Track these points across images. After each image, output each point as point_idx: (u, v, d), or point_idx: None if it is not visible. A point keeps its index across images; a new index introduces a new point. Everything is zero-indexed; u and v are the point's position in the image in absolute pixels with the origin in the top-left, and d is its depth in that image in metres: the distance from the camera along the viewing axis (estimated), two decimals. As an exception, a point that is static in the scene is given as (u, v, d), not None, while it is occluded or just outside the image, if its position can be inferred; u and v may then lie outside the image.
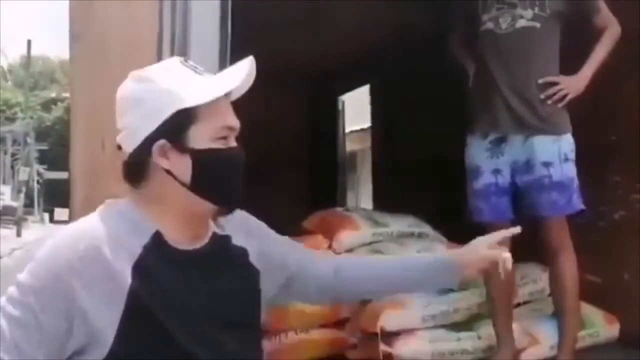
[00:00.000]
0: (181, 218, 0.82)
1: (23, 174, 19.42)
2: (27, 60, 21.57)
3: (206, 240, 0.85)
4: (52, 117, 22.94)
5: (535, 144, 1.73)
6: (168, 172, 0.80)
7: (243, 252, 0.89)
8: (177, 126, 0.79)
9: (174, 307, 0.78)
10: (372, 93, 4.30)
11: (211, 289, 0.82)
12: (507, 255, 0.96)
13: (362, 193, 7.11)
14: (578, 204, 1.74)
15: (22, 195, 18.24)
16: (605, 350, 2.05)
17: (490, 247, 0.99)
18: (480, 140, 1.80)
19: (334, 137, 4.87)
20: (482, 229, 1.80)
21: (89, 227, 0.79)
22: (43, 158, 21.81)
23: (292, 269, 0.96)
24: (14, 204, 17.84)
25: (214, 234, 0.87)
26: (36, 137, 21.66)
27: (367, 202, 5.18)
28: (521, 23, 1.73)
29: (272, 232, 0.97)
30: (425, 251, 2.02)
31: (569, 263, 1.76)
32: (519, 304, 2.09)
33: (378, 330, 1.83)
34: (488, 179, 1.77)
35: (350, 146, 6.06)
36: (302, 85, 4.30)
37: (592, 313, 2.05)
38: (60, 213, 13.57)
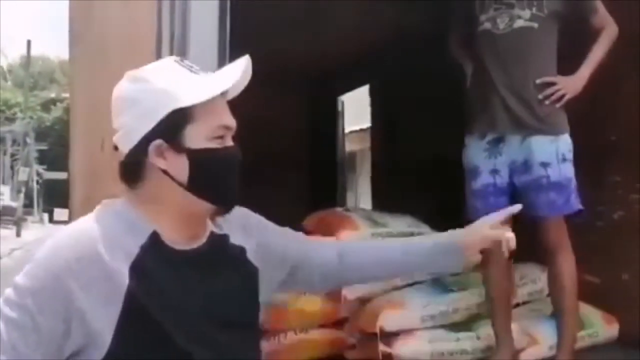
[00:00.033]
0: (178, 218, 0.82)
1: (22, 174, 19.41)
2: (27, 60, 21.57)
3: (204, 239, 0.85)
4: (52, 118, 22.93)
5: (533, 144, 1.73)
6: (165, 172, 0.80)
7: (241, 251, 0.89)
8: (173, 126, 0.79)
9: (172, 308, 0.78)
10: (372, 93, 4.31)
11: (209, 289, 0.82)
12: (510, 234, 0.96)
13: (361, 193, 7.11)
14: (576, 204, 1.74)
15: (21, 196, 18.23)
16: (604, 350, 2.05)
17: (492, 228, 0.99)
18: (478, 141, 1.80)
19: (334, 137, 4.87)
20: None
21: (86, 228, 0.79)
22: (42, 158, 21.80)
23: (294, 260, 0.96)
24: (14, 204, 17.83)
25: (212, 233, 0.87)
26: (36, 138, 21.65)
27: (366, 202, 5.18)
28: (519, 23, 1.73)
29: (271, 225, 0.97)
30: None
31: (567, 263, 1.76)
32: (518, 304, 2.09)
33: (377, 331, 1.83)
34: (486, 179, 1.77)
35: (349, 146, 6.07)
36: (302, 85, 4.30)
37: (591, 313, 2.06)
38: (60, 213, 13.56)
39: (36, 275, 0.75)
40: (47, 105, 23.71)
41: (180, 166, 0.80)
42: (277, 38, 3.08)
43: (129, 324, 0.75)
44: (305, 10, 2.88)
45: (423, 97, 3.13)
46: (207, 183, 0.81)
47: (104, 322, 0.74)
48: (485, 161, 1.78)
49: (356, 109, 5.04)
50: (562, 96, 1.73)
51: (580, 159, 1.77)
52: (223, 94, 0.83)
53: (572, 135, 1.77)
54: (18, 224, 15.87)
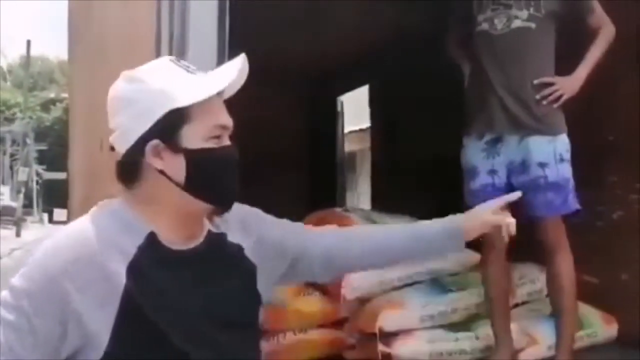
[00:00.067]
0: (175, 218, 0.82)
1: (22, 174, 19.39)
2: (27, 60, 21.56)
3: (201, 239, 0.85)
4: (51, 118, 22.93)
5: (530, 144, 1.73)
6: (162, 172, 0.79)
7: (238, 249, 0.88)
8: (170, 126, 0.79)
9: (169, 308, 0.78)
10: (371, 93, 4.31)
11: (206, 289, 0.82)
12: (510, 219, 0.97)
13: (361, 193, 7.11)
14: (574, 204, 1.74)
15: (21, 196, 18.22)
16: (604, 350, 2.05)
17: (493, 213, 0.99)
18: (476, 141, 1.80)
19: (334, 137, 4.87)
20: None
21: (82, 230, 0.79)
22: (42, 158, 21.80)
23: (294, 251, 0.94)
24: (13, 204, 17.83)
25: (209, 232, 0.87)
26: (35, 138, 21.65)
27: (366, 203, 5.18)
28: (516, 24, 1.74)
29: (269, 217, 0.97)
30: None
31: (565, 263, 1.76)
32: (517, 305, 2.09)
33: (376, 331, 1.83)
34: (484, 179, 1.78)
35: (349, 146, 6.06)
36: (302, 85, 4.30)
37: (589, 313, 2.06)
38: (60, 213, 13.54)
39: (32, 277, 0.75)
40: (46, 106, 23.70)
41: (177, 166, 0.79)
42: (277, 38, 3.08)
43: (126, 325, 0.75)
44: (305, 10, 2.88)
45: (423, 97, 3.13)
46: (205, 183, 0.81)
47: (100, 323, 0.74)
48: (483, 161, 1.78)
49: (355, 109, 5.04)
50: (560, 96, 1.73)
51: (579, 159, 1.77)
52: (219, 93, 0.82)
53: (570, 136, 1.78)
54: (18, 224, 15.86)
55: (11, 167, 22.03)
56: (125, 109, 0.80)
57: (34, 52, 24.49)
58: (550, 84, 1.73)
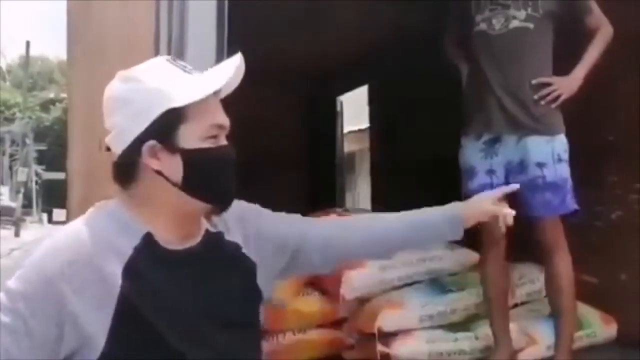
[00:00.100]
0: (172, 218, 0.81)
1: (21, 174, 19.38)
2: (26, 60, 21.54)
3: (198, 238, 0.85)
4: (51, 118, 22.90)
5: (528, 144, 1.73)
6: (158, 172, 0.79)
7: (236, 247, 0.88)
8: (166, 126, 0.78)
9: (166, 308, 0.78)
10: (371, 93, 4.31)
11: (204, 289, 0.82)
12: (508, 210, 0.98)
13: (360, 193, 7.12)
14: (572, 204, 1.75)
15: (20, 196, 18.21)
16: (603, 350, 2.05)
17: (492, 203, 1.01)
18: (474, 141, 1.80)
19: (333, 137, 4.87)
20: (478, 229, 1.81)
21: (78, 232, 0.78)
22: (41, 158, 21.77)
23: (294, 244, 0.94)
24: (13, 204, 17.81)
25: (207, 231, 0.86)
26: (35, 138, 21.62)
27: (365, 203, 5.18)
28: (514, 24, 1.74)
29: (267, 212, 0.95)
30: (422, 250, 2.03)
31: (564, 263, 1.76)
32: (516, 305, 2.09)
33: (375, 331, 1.83)
34: (482, 179, 1.78)
35: (348, 147, 6.06)
36: (302, 85, 4.30)
37: (589, 313, 2.06)
38: (59, 214, 13.54)
39: (28, 280, 0.74)
40: (46, 106, 23.68)
41: (174, 167, 0.79)
42: (277, 38, 3.08)
43: (123, 326, 0.75)
44: (305, 10, 2.88)
45: (422, 97, 3.13)
46: (202, 183, 0.80)
47: (97, 324, 0.74)
48: (481, 161, 1.78)
49: (354, 109, 5.04)
50: (558, 96, 1.73)
51: (578, 159, 1.77)
52: (216, 92, 0.82)
53: (570, 136, 1.78)
54: (17, 224, 15.85)
55: (10, 167, 22.01)
56: (121, 109, 0.80)
57: (33, 52, 24.52)
58: (548, 84, 1.74)
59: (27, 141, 20.99)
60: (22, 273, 0.75)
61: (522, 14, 1.73)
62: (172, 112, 0.78)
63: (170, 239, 0.81)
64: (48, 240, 0.78)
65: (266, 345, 1.83)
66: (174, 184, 0.79)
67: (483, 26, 1.78)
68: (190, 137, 0.79)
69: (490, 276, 1.86)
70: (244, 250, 0.88)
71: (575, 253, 1.79)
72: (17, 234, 15.12)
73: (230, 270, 0.87)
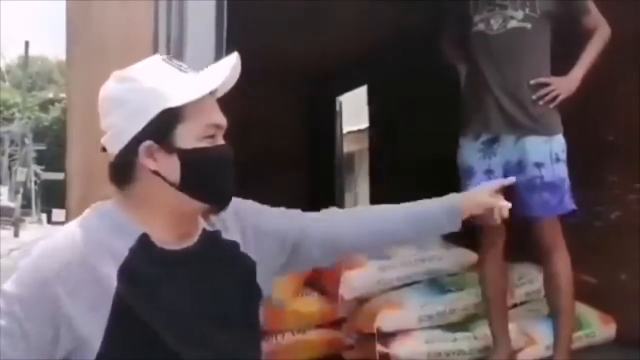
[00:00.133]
0: (170, 218, 0.81)
1: (20, 174, 19.37)
2: (25, 60, 21.52)
3: (195, 238, 0.84)
4: (50, 118, 22.90)
5: (526, 144, 1.74)
6: (156, 173, 0.79)
7: (234, 245, 0.88)
8: (163, 126, 0.78)
9: (163, 309, 0.77)
10: (370, 93, 4.31)
11: (201, 288, 0.81)
12: (504, 203, 1.00)
13: (359, 194, 7.12)
14: (569, 204, 1.75)
15: (19, 196, 18.20)
16: (602, 350, 2.05)
17: (490, 195, 1.02)
18: (473, 141, 1.81)
19: (333, 137, 4.87)
20: (477, 229, 1.81)
21: (73, 233, 0.78)
22: (41, 159, 21.76)
23: (294, 238, 0.94)
24: (12, 204, 17.79)
25: (204, 230, 0.85)
26: (34, 138, 21.61)
27: (364, 203, 5.18)
28: (512, 24, 1.74)
29: (265, 208, 0.95)
30: (422, 250, 2.03)
31: (562, 263, 1.77)
32: (515, 305, 2.09)
33: (375, 331, 1.83)
34: (481, 179, 1.77)
35: (348, 147, 6.06)
36: (302, 85, 4.30)
37: (588, 313, 2.06)
38: (58, 214, 13.55)
39: (23, 283, 0.74)
40: (45, 106, 23.67)
41: (171, 167, 0.79)
42: (277, 38, 3.08)
43: (119, 327, 0.75)
44: (305, 10, 2.88)
45: (422, 98, 3.13)
46: (200, 183, 0.80)
47: (92, 326, 0.74)
48: (479, 161, 1.78)
49: (354, 110, 5.04)
50: (556, 97, 1.73)
51: (578, 159, 1.77)
52: (212, 92, 0.82)
53: (570, 136, 1.78)
54: (16, 224, 15.85)
55: (9, 168, 21.99)
56: (117, 109, 0.79)
57: (33, 52, 24.50)
58: (546, 84, 1.74)
59: (26, 141, 20.98)
60: (17, 276, 0.75)
61: (519, 14, 1.73)
62: (169, 112, 0.78)
63: (167, 239, 0.81)
64: (43, 242, 0.78)
65: (265, 346, 1.83)
66: (172, 184, 0.79)
67: (481, 26, 1.78)
68: (187, 137, 0.79)
69: (488, 276, 1.86)
70: (242, 249, 0.88)
71: (575, 253, 1.79)
72: (16, 234, 15.12)
73: (228, 269, 0.86)
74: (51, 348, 0.74)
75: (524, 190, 1.69)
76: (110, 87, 0.81)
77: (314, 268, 1.97)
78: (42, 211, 20.94)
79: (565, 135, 1.77)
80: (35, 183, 21.80)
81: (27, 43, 20.79)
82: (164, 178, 0.79)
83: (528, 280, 2.13)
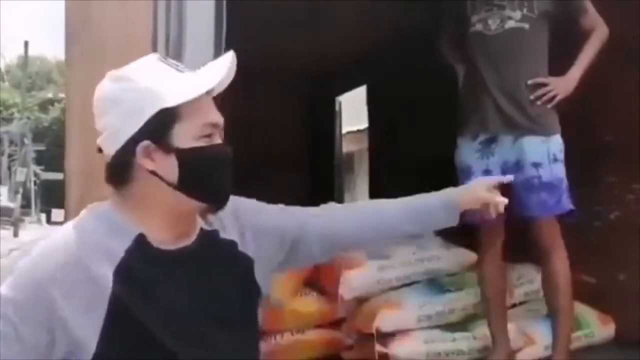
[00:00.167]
0: (167, 218, 0.81)
1: (20, 174, 19.37)
2: (25, 60, 21.51)
3: (193, 237, 0.84)
4: (49, 118, 22.89)
5: (524, 144, 1.74)
6: (153, 173, 0.79)
7: (232, 244, 0.87)
8: (160, 126, 0.78)
9: (161, 309, 0.77)
10: (370, 93, 4.31)
11: (199, 288, 0.81)
12: (500, 199, 1.01)
13: (359, 194, 7.12)
14: (567, 204, 1.75)
15: (19, 196, 18.20)
16: (601, 350, 2.05)
17: (487, 190, 1.03)
18: (471, 141, 1.81)
19: (332, 137, 4.86)
20: (475, 229, 1.81)
21: (68, 234, 0.78)
22: (40, 159, 21.75)
23: (293, 235, 0.93)
24: (11, 204, 17.79)
25: (201, 230, 0.85)
26: (33, 138, 21.60)
27: (364, 203, 5.14)
28: (510, 24, 1.74)
29: (264, 206, 0.95)
30: (421, 250, 2.03)
31: (560, 262, 1.77)
32: (514, 305, 2.09)
33: (374, 331, 1.83)
34: None
35: (347, 147, 6.06)
36: (302, 85, 4.30)
37: (587, 313, 2.06)
38: (58, 214, 13.55)
39: (17, 286, 0.74)
40: (44, 106, 23.66)
41: (169, 167, 0.78)
42: (277, 38, 3.08)
43: (115, 328, 0.74)
44: (305, 10, 2.87)
45: (421, 98, 3.13)
46: (198, 182, 0.80)
47: (87, 328, 0.74)
48: (477, 162, 1.78)
49: (353, 110, 5.04)
50: (554, 97, 1.74)
51: (577, 159, 1.77)
52: (208, 91, 0.81)
53: (569, 136, 1.78)
54: (15, 224, 15.85)
55: (9, 168, 21.98)
56: (113, 109, 0.79)
57: (32, 52, 24.47)
58: (544, 85, 1.74)
59: (26, 141, 20.97)
60: (13, 279, 0.75)
61: (517, 14, 1.73)
62: (166, 112, 0.78)
63: (164, 239, 0.81)
64: (38, 245, 0.78)
65: (264, 346, 1.83)
66: (169, 184, 0.79)
67: (479, 27, 1.78)
68: (185, 136, 0.79)
69: (487, 276, 1.86)
70: (240, 247, 0.88)
71: (574, 253, 1.79)
72: (15, 234, 15.11)
73: (226, 268, 0.86)
74: (47, 351, 0.74)
75: (522, 190, 1.69)
76: (105, 87, 0.81)
77: (314, 265, 1.98)
78: (42, 211, 20.93)
79: (563, 135, 1.77)
80: (35, 183, 21.79)
81: (26, 43, 20.78)
82: (161, 178, 0.79)
83: (527, 281, 2.13)
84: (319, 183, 4.47)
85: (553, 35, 1.78)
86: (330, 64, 3.85)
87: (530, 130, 1.74)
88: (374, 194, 4.30)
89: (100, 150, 0.82)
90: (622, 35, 1.86)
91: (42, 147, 21.31)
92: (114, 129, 0.79)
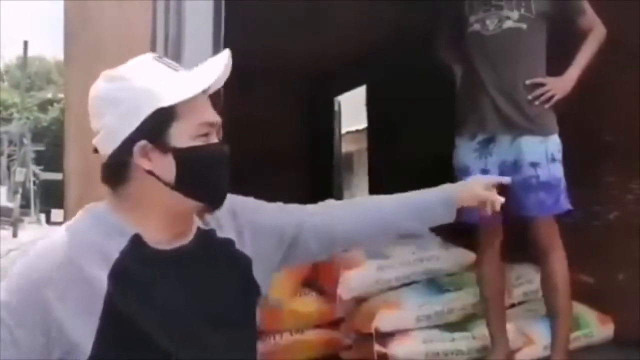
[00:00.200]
0: (164, 217, 0.81)
1: (19, 174, 19.36)
2: (24, 60, 21.49)
3: (190, 237, 0.84)
4: (49, 118, 22.88)
5: (522, 144, 1.74)
6: (150, 172, 0.78)
7: (229, 243, 0.86)
8: (157, 126, 0.77)
9: (157, 310, 0.77)
10: (369, 93, 4.31)
11: (197, 288, 0.81)
12: (497, 197, 1.02)
13: (358, 194, 7.12)
14: (565, 204, 1.75)
15: (18, 196, 18.19)
16: (600, 350, 2.05)
17: (485, 189, 1.03)
18: (469, 141, 1.81)
19: (332, 137, 4.87)
20: (474, 229, 1.82)
21: (64, 237, 0.78)
22: (39, 159, 21.74)
23: (292, 233, 0.93)
24: (11, 205, 17.79)
25: (198, 229, 0.85)
26: (32, 138, 21.60)
27: (363, 203, 5.14)
28: (508, 24, 1.74)
29: (263, 204, 0.95)
30: (420, 250, 2.03)
31: (559, 262, 1.77)
32: (513, 305, 2.10)
33: (372, 331, 1.83)
34: None
35: (346, 147, 6.07)
36: (302, 85, 4.30)
37: (586, 313, 2.06)
38: (57, 214, 13.54)
39: (12, 289, 0.74)
40: (43, 106, 23.65)
41: (166, 166, 0.78)
42: (277, 38, 3.08)
43: (110, 329, 0.74)
44: (305, 10, 2.87)
45: (420, 98, 3.13)
46: (195, 182, 0.79)
47: (83, 329, 0.73)
48: (475, 161, 1.78)
49: (352, 110, 5.04)
50: (552, 97, 1.74)
51: (576, 159, 1.77)
52: (204, 90, 0.81)
53: (568, 136, 1.78)
54: (15, 224, 15.84)
55: (8, 168, 21.97)
56: (109, 109, 0.79)
57: (31, 52, 24.40)
58: (542, 85, 1.74)
59: (25, 141, 20.95)
60: (8, 282, 0.75)
61: (515, 14, 1.74)
62: (163, 112, 0.77)
63: (160, 239, 0.81)
64: (35, 245, 0.78)
65: (263, 346, 1.83)
66: (166, 184, 0.79)
67: (477, 27, 1.78)
68: (182, 135, 0.78)
69: (486, 276, 1.86)
70: (237, 246, 0.87)
71: (573, 253, 1.79)
72: (15, 235, 15.10)
73: (224, 268, 0.86)
74: (44, 353, 0.74)
75: (520, 190, 1.69)
76: (100, 87, 0.81)
77: (313, 265, 1.98)
78: (41, 211, 20.92)
79: (563, 135, 1.77)
80: (34, 183, 21.78)
81: (25, 43, 20.75)
82: (158, 178, 0.78)
83: (526, 281, 2.13)
84: (318, 183, 4.47)
85: (551, 35, 1.78)
86: (330, 64, 3.85)
87: (528, 130, 1.74)
88: (373, 193, 4.26)
89: (96, 150, 0.82)
90: (621, 35, 1.86)
91: (41, 147, 21.30)
92: (110, 129, 0.78)
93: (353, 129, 6.09)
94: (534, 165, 1.72)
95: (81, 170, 2.11)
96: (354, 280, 1.94)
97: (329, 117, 4.81)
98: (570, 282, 1.78)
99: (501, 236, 1.82)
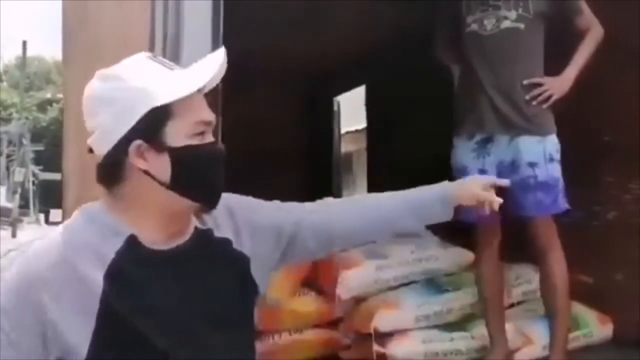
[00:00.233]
0: (160, 217, 0.80)
1: (18, 175, 19.35)
2: (23, 61, 21.47)
3: (187, 237, 0.84)
4: (48, 118, 22.86)
5: (520, 144, 1.74)
6: (146, 172, 0.78)
7: (226, 243, 0.86)
8: (152, 125, 0.77)
9: (154, 310, 0.77)
10: (368, 93, 4.31)
11: (194, 287, 0.81)
12: (495, 198, 1.02)
13: (357, 193, 7.12)
14: (563, 203, 1.75)
15: (17, 197, 18.18)
16: (599, 350, 2.06)
17: (483, 189, 1.03)
18: (467, 141, 1.81)
19: (331, 137, 4.87)
20: (473, 228, 1.82)
21: (60, 237, 0.77)
22: (38, 159, 21.73)
23: (290, 231, 0.93)
24: (10, 205, 17.77)
25: (196, 229, 0.84)
26: (32, 138, 21.59)
27: (363, 203, 5.14)
28: (505, 24, 1.74)
29: (260, 203, 0.95)
30: (419, 250, 2.03)
31: (557, 262, 1.77)
32: (512, 305, 2.10)
33: (371, 331, 1.83)
34: None
35: (345, 147, 6.07)
36: (302, 85, 4.30)
37: (585, 313, 2.06)
38: (56, 214, 13.51)
39: (6, 293, 0.74)
40: (43, 106, 23.63)
41: (162, 166, 0.78)
42: (277, 38, 3.08)
43: (106, 331, 0.74)
44: (305, 10, 2.88)
45: (419, 98, 3.13)
46: (190, 181, 0.79)
47: (78, 330, 0.73)
48: (473, 161, 1.78)
49: (351, 110, 5.04)
50: (549, 97, 1.74)
51: (574, 159, 1.78)
52: (200, 89, 0.81)
53: (567, 136, 1.78)
54: (14, 224, 15.82)
55: (7, 168, 21.94)
56: (104, 109, 0.78)
57: (30, 52, 24.37)
58: (540, 85, 1.74)
59: (24, 142, 20.94)
60: (4, 284, 0.75)
61: (513, 14, 1.74)
62: (158, 110, 0.77)
63: (157, 239, 0.80)
64: (32, 245, 0.78)
65: (262, 346, 1.83)
66: (162, 183, 0.78)
67: (474, 27, 1.78)
68: (177, 135, 0.78)
69: (485, 276, 1.86)
70: (235, 245, 0.87)
71: (572, 253, 1.79)
72: (14, 235, 15.09)
73: (221, 267, 0.85)
74: (42, 354, 0.74)
75: (518, 190, 1.69)
76: (95, 86, 0.80)
77: (312, 265, 1.97)
78: (40, 211, 20.90)
79: (561, 135, 1.77)
80: (33, 183, 21.77)
81: (24, 43, 20.72)
82: (153, 177, 0.78)
83: (525, 280, 2.13)
84: (317, 182, 4.48)
85: (548, 35, 1.78)
86: (329, 64, 3.85)
87: (526, 130, 1.74)
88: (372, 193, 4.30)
89: (91, 150, 0.81)
90: (619, 35, 1.86)
91: (40, 148, 21.28)
92: (105, 128, 0.78)
93: (352, 129, 6.09)
94: (532, 165, 1.72)
95: (80, 170, 2.11)
96: (352, 280, 1.94)
97: (328, 117, 4.81)
98: (569, 282, 1.78)
99: (500, 236, 1.82)
